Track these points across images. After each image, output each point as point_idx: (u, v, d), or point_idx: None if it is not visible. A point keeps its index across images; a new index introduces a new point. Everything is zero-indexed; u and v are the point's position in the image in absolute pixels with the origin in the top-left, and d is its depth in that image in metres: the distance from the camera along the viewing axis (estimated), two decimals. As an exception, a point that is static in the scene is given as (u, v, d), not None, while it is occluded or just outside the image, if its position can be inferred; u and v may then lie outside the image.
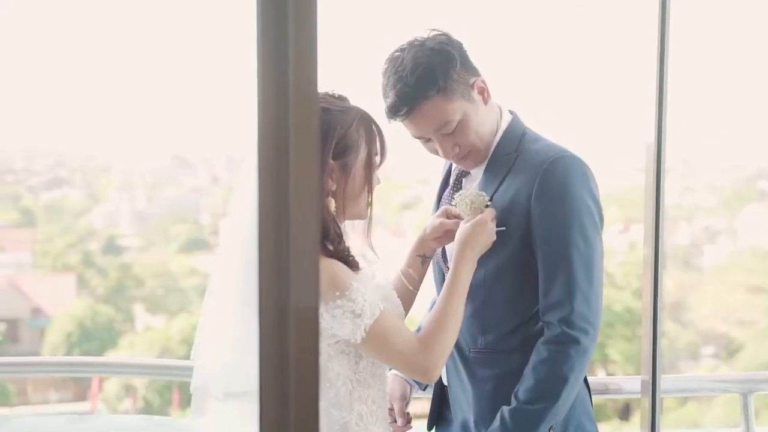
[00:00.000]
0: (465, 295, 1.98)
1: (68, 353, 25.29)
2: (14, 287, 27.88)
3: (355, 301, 1.84)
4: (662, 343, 1.95)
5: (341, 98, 1.98)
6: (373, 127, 1.98)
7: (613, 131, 38.79)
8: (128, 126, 43.71)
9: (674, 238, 29.39)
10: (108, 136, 43.62)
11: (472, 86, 2.04)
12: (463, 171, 2.21)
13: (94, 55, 47.21)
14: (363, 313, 1.84)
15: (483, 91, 2.07)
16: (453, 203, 2.08)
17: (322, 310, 1.83)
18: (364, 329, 1.85)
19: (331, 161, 1.91)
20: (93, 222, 35.31)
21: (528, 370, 1.98)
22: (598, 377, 2.64)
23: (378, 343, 1.88)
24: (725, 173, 33.99)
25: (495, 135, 2.11)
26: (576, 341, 1.95)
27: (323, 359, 1.90)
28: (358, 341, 1.86)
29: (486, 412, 2.07)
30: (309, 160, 0.92)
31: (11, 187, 38.18)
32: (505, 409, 1.99)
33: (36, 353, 26.02)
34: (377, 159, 1.99)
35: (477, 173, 2.15)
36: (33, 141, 44.74)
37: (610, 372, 23.12)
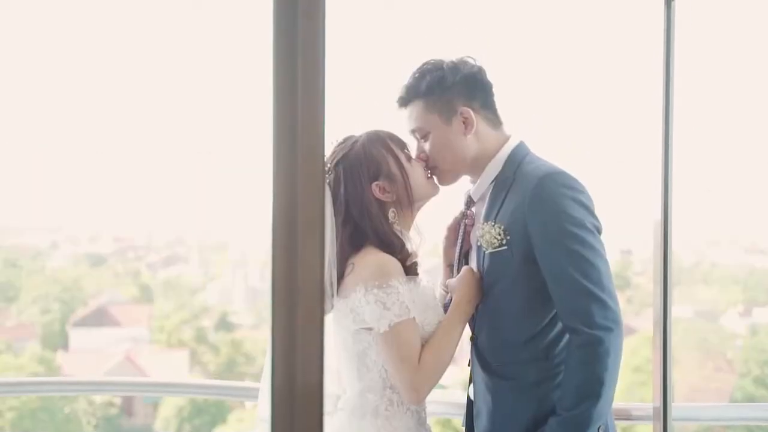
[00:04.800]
0: (461, 332, 2.16)
1: (179, 428, 25.82)
2: (130, 361, 28.74)
3: (388, 294, 2.05)
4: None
5: (346, 139, 2.24)
6: (381, 135, 2.23)
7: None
8: (244, 204, 45.08)
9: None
10: (224, 214, 45.06)
11: (456, 111, 2.19)
12: (470, 192, 2.33)
13: (216, 142, 49.18)
14: (392, 308, 2.04)
15: (467, 122, 2.20)
16: (478, 235, 2.18)
17: (361, 294, 2.07)
18: (389, 323, 2.04)
19: (375, 184, 2.17)
20: (207, 299, 36.24)
21: (565, 378, 2.05)
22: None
23: (392, 342, 2.06)
24: None
25: (478, 163, 2.22)
26: (601, 341, 1.99)
27: (364, 346, 2.12)
28: (380, 332, 2.05)
29: (503, 423, 2.16)
30: (315, 234, 0.92)
31: (132, 264, 39.71)
32: (553, 420, 2.04)
33: (149, 427, 26.66)
34: (406, 152, 2.23)
35: (485, 196, 2.25)
36: (153, 219, 46.56)
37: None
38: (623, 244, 35.06)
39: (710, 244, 37.57)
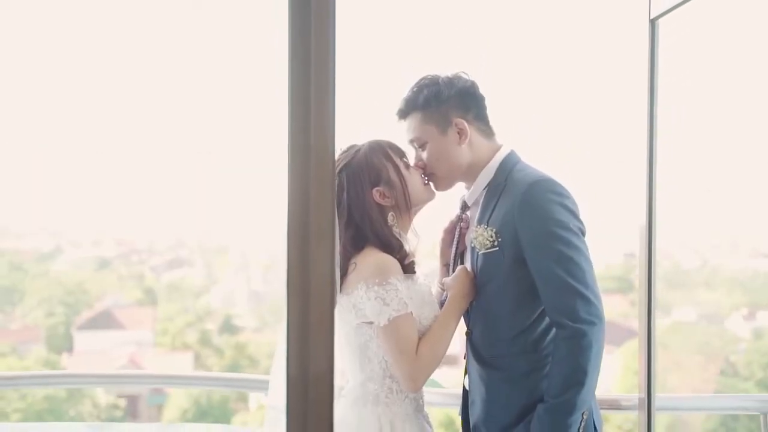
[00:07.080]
0: (455, 326, 2.32)
1: (183, 430, 25.88)
2: (135, 364, 28.80)
3: (388, 291, 2.22)
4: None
5: (349, 148, 2.40)
6: (381, 144, 2.39)
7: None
8: (245, 206, 45.10)
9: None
10: (224, 216, 45.06)
11: (451, 123, 2.35)
12: (464, 198, 2.49)
13: (216, 142, 49.19)
14: (391, 304, 2.21)
15: (461, 133, 2.36)
16: (472, 236, 2.34)
17: (363, 291, 2.24)
18: (388, 318, 2.21)
19: (376, 190, 2.34)
20: (211, 301, 36.24)
21: (552, 369, 2.20)
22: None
23: (391, 335, 2.22)
24: None
25: (471, 171, 2.39)
26: (584, 334, 2.15)
27: (365, 339, 2.28)
28: (381, 325, 2.23)
29: (496, 411, 2.32)
30: (326, 248, 1.02)
31: (135, 267, 39.75)
32: (541, 407, 2.19)
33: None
34: (405, 160, 2.39)
35: (479, 201, 2.41)
36: (155, 221, 46.54)
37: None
38: (626, 247, 35.04)
39: (714, 247, 37.53)
